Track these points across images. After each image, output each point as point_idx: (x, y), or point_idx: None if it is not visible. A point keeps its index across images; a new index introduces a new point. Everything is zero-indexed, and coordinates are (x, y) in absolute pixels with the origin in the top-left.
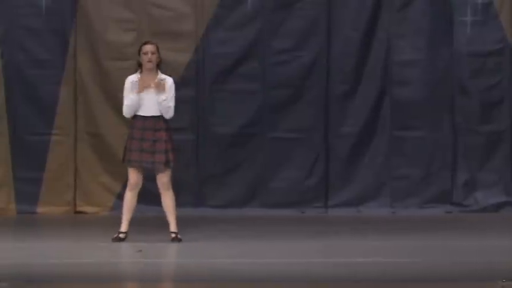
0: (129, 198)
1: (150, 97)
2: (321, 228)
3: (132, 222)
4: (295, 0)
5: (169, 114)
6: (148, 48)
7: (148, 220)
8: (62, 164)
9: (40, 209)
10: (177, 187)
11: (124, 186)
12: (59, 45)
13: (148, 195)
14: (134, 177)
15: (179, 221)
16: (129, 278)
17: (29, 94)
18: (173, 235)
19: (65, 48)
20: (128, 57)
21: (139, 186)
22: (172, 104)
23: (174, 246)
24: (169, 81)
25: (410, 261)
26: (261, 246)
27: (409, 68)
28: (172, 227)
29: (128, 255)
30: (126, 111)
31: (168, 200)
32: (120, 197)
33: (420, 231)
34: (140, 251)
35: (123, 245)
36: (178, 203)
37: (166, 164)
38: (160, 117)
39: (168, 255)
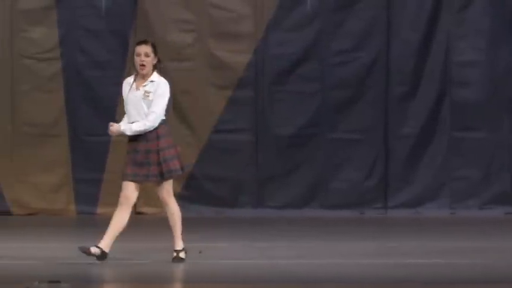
0: (116, 214)
1: (136, 104)
2: (380, 229)
3: (190, 223)
4: (355, 1)
5: (150, 126)
6: (142, 49)
7: (206, 220)
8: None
9: (100, 210)
10: (237, 188)
11: (183, 187)
12: (119, 47)
13: (205, 196)
14: (125, 191)
15: (238, 221)
16: (189, 279)
17: (88, 95)
18: (174, 253)
19: (124, 50)
20: (187, 57)
21: (131, 201)
22: (156, 109)
23: (233, 246)
24: (159, 87)
25: (469, 263)
26: (320, 247)
27: (469, 68)
28: (174, 244)
29: (188, 256)
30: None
31: (168, 215)
32: (179, 197)
33: (479, 232)
34: (200, 252)
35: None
36: (238, 204)
37: (161, 176)
38: None
39: (227, 256)
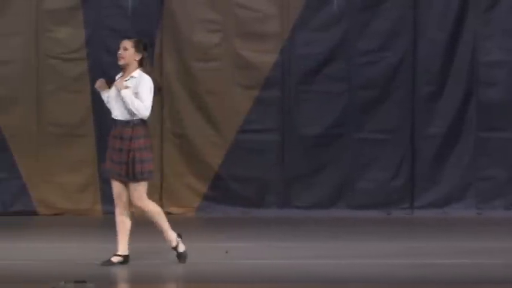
0: (116, 217)
1: (117, 96)
2: (407, 230)
3: (216, 223)
4: (381, 1)
5: (140, 112)
6: (122, 44)
7: (232, 221)
8: None
9: None
10: (263, 188)
11: (209, 187)
12: None
13: (231, 196)
14: (114, 190)
15: (264, 221)
16: (215, 278)
17: None
18: (175, 252)
19: (151, 49)
20: (213, 57)
21: (123, 199)
22: (144, 101)
23: (259, 246)
24: (140, 81)
25: (496, 263)
26: (347, 247)
27: (496, 68)
28: (170, 243)
29: (214, 256)
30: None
31: (151, 217)
32: (206, 197)
33: (506, 232)
34: (226, 252)
35: (209, 246)
36: (264, 204)
37: (127, 176)
38: (128, 123)
39: (253, 256)
